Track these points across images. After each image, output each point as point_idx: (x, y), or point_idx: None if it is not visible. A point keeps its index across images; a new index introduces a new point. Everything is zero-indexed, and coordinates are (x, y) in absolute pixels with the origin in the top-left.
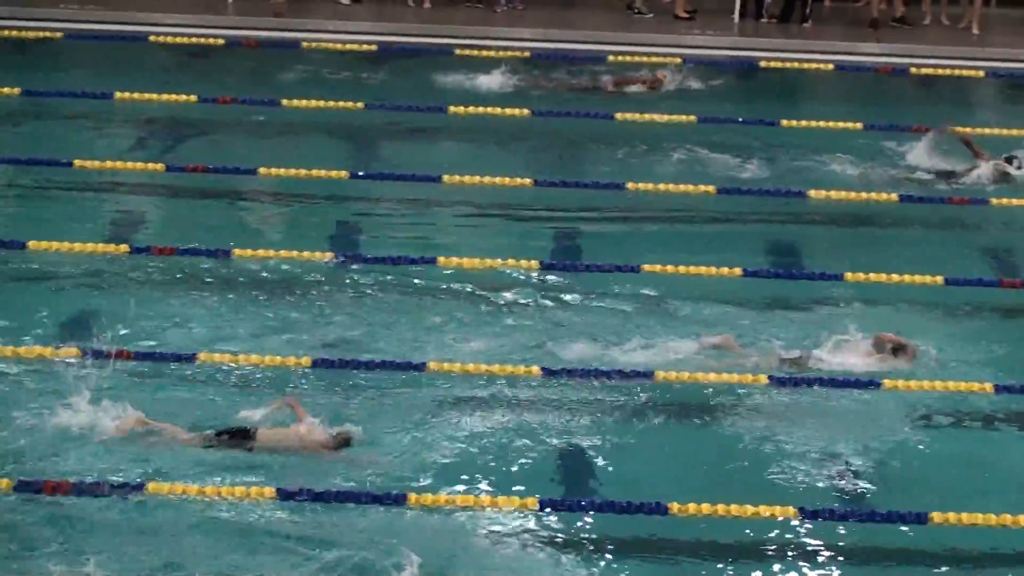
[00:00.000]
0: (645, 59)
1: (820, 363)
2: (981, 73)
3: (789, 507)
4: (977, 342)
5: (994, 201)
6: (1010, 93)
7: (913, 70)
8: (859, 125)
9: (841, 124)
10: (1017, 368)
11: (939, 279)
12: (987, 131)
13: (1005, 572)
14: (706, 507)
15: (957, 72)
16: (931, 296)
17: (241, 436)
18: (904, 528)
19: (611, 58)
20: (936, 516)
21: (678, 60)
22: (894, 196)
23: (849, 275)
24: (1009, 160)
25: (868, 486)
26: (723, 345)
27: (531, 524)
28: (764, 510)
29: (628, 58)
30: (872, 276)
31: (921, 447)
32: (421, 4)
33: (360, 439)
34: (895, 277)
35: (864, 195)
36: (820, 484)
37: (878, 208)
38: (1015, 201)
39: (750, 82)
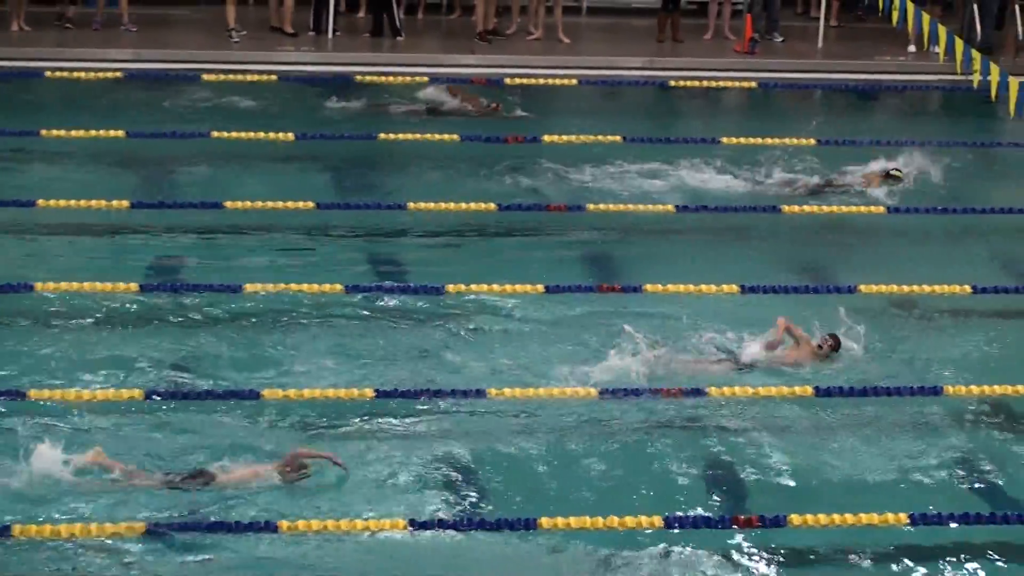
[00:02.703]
0: (240, 77)
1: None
2: (574, 81)
3: (399, 520)
4: (575, 347)
5: (591, 207)
6: (600, 100)
7: (508, 80)
8: (456, 136)
9: (438, 136)
10: (622, 375)
11: (540, 287)
12: (579, 138)
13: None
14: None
15: (551, 81)
16: (532, 305)
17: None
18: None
19: (204, 77)
20: (544, 522)
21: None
22: (492, 206)
23: (451, 287)
24: (893, 176)
25: (474, 494)
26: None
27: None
28: (373, 525)
29: (223, 76)
30: (474, 287)
31: (533, 454)
32: (10, 27)
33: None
34: (496, 287)
35: (464, 206)
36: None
37: (479, 218)
38: (612, 207)
39: (347, 97)
